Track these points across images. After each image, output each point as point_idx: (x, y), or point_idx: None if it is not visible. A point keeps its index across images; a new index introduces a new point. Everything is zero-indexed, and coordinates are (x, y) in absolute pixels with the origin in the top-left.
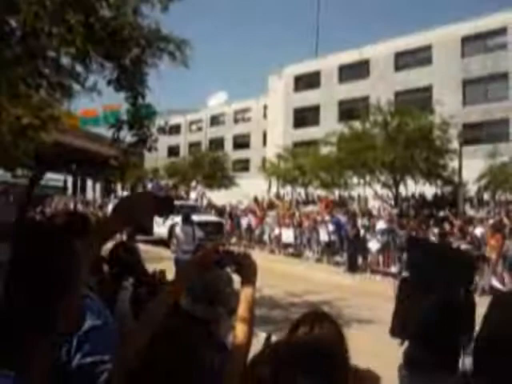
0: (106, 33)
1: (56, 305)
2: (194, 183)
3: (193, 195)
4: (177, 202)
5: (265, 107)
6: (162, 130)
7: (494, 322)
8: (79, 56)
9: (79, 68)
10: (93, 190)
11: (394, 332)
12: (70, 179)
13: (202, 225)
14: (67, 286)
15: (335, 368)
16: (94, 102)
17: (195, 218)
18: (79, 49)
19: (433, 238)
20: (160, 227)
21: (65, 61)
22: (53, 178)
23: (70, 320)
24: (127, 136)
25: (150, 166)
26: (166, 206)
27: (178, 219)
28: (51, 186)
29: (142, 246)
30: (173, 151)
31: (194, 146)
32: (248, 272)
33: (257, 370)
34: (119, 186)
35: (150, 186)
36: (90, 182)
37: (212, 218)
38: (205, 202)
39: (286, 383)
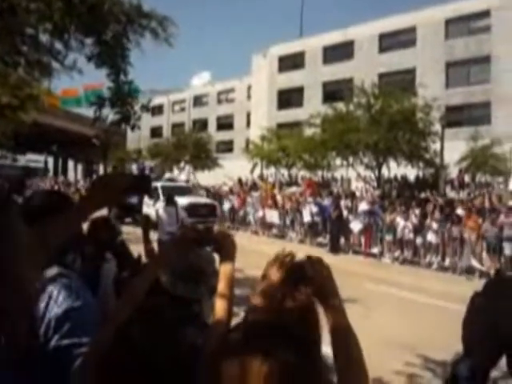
0: (86, 7)
1: None
2: (182, 164)
3: (182, 176)
4: (169, 184)
5: (249, 88)
6: (145, 108)
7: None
8: (58, 32)
9: (58, 45)
10: (74, 171)
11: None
12: (50, 160)
13: (195, 207)
14: None
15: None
16: (75, 81)
17: (188, 199)
18: (58, 24)
19: (413, 219)
20: (150, 208)
21: (43, 38)
22: (33, 159)
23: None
24: (109, 114)
25: (133, 146)
26: (143, 185)
27: None
28: (32, 167)
29: (128, 228)
30: (156, 132)
31: (177, 126)
32: (227, 250)
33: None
34: (101, 167)
35: (134, 167)
36: (71, 163)
37: (205, 199)
38: (194, 182)
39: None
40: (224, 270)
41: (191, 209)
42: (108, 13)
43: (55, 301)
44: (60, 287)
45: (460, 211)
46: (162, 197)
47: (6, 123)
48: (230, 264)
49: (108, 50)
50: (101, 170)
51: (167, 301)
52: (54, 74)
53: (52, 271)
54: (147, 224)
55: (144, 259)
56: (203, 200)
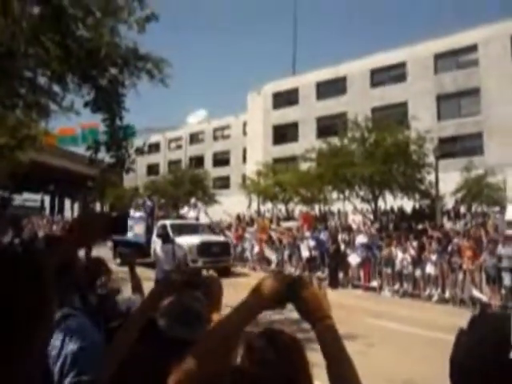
0: (83, 53)
1: (21, 347)
2: (193, 200)
3: (192, 213)
4: (178, 222)
5: (244, 124)
6: (139, 152)
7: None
8: (56, 77)
9: (56, 88)
10: (71, 209)
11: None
12: (47, 199)
13: (207, 246)
14: (37, 324)
15: None
16: (72, 121)
17: (200, 238)
18: (55, 70)
19: (412, 251)
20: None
21: (41, 80)
22: (30, 198)
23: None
24: (105, 157)
25: (130, 184)
26: (119, 225)
27: (179, 240)
28: (28, 206)
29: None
30: (152, 169)
31: (173, 163)
32: (215, 294)
33: None
34: (98, 206)
35: (148, 203)
36: (68, 202)
37: (217, 238)
38: (205, 220)
39: None
40: (214, 318)
41: (204, 248)
42: (105, 57)
43: (70, 339)
44: (72, 326)
45: (458, 242)
46: (171, 235)
47: (5, 163)
48: (217, 307)
49: (104, 96)
50: (98, 209)
51: (164, 344)
52: (52, 115)
53: (63, 311)
54: (133, 260)
55: (132, 296)
56: (216, 238)
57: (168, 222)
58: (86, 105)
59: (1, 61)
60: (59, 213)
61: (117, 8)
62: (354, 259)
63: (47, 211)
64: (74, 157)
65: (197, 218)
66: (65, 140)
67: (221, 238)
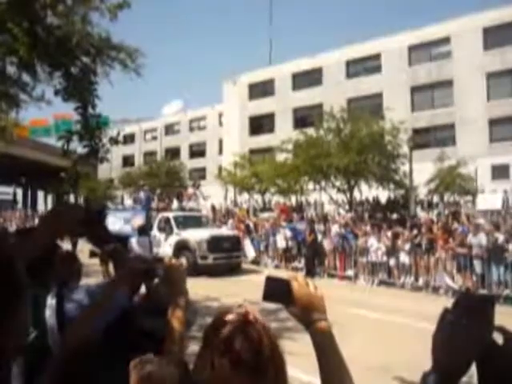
0: (53, 40)
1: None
2: (190, 189)
3: (191, 204)
4: (182, 214)
5: (220, 115)
6: (113, 141)
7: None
8: (24, 65)
9: (26, 77)
10: (44, 202)
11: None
12: (20, 192)
13: (217, 240)
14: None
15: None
16: (45, 110)
17: (209, 232)
18: (23, 58)
19: (386, 241)
20: (165, 246)
21: (11, 70)
22: (2, 191)
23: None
24: (78, 147)
25: (104, 176)
26: (95, 219)
27: (185, 234)
28: (0, 199)
29: None
30: (127, 161)
31: (149, 155)
32: (175, 283)
33: None
34: (72, 198)
35: (142, 194)
36: (41, 194)
37: (227, 231)
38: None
39: None
40: (176, 304)
41: (213, 243)
42: (76, 46)
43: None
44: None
45: (431, 231)
46: (175, 229)
47: None
48: (182, 298)
49: (75, 84)
50: (72, 202)
51: (137, 338)
52: (22, 105)
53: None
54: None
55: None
56: (226, 232)
57: (171, 215)
58: (56, 93)
59: None
60: (32, 206)
61: None
62: (327, 245)
63: (20, 204)
64: (46, 148)
65: (198, 210)
66: (37, 131)
67: (231, 232)
